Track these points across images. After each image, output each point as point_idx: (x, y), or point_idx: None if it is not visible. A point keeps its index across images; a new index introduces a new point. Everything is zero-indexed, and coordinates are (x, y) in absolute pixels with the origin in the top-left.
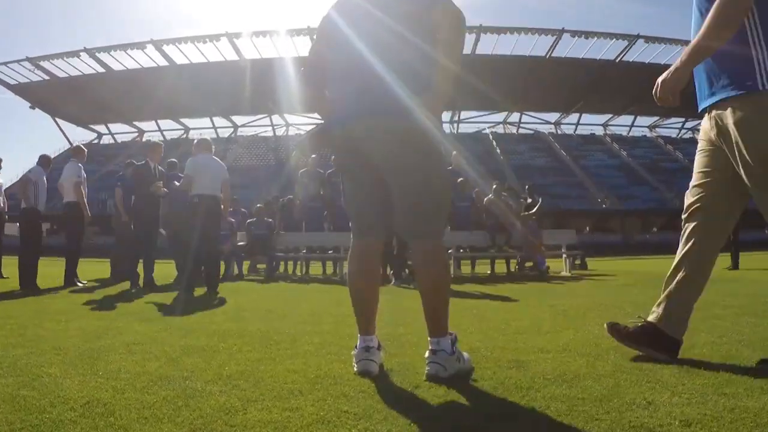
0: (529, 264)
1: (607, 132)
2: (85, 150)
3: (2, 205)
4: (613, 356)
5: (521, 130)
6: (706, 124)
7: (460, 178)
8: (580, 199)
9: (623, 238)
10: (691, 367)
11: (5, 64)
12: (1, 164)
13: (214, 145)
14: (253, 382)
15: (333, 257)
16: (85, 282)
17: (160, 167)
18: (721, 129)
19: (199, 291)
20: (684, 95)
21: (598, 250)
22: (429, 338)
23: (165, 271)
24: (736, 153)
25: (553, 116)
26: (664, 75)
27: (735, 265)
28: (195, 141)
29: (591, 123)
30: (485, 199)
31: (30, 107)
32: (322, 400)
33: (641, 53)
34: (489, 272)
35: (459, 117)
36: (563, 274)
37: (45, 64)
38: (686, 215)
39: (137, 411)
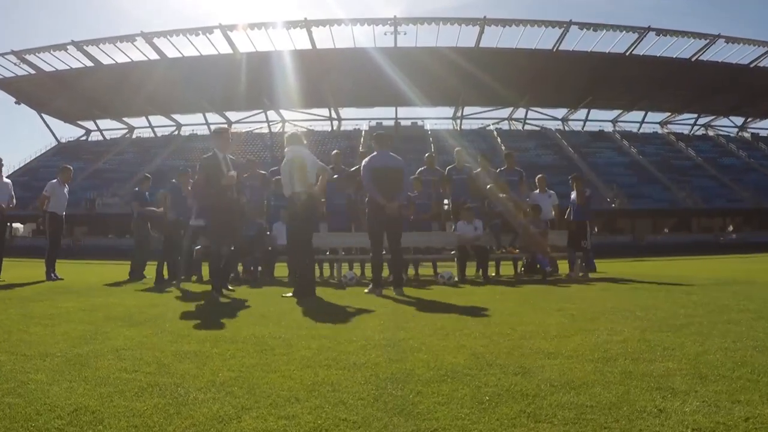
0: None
1: (617, 128)
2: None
3: (4, 206)
4: (623, 362)
5: (527, 127)
6: None
7: (466, 177)
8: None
9: (633, 239)
10: (704, 374)
11: None
12: (2, 163)
13: (204, 142)
14: (247, 389)
15: (330, 259)
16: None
17: (231, 156)
18: None
19: (187, 294)
20: (696, 90)
21: (607, 251)
22: None
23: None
24: None
25: (561, 112)
26: None
27: None
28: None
29: (600, 119)
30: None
31: (15, 103)
32: (320, 408)
33: (652, 46)
34: (494, 274)
35: (462, 113)
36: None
37: (31, 57)
38: None
39: (127, 419)
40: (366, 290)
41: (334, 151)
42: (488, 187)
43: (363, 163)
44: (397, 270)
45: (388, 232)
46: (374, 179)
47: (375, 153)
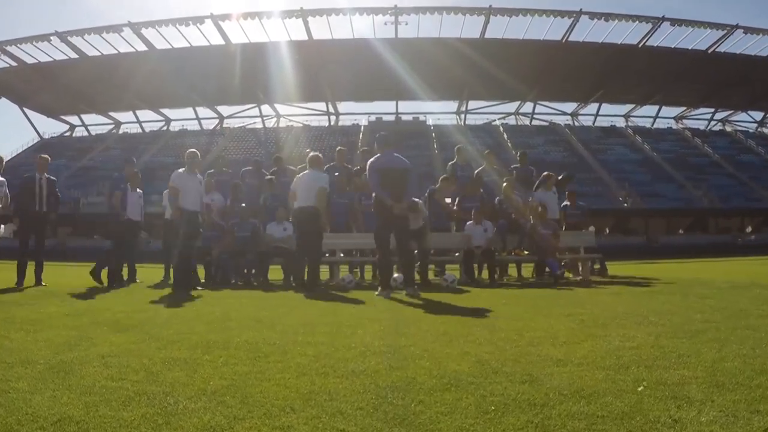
0: (548, 270)
1: (629, 123)
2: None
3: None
4: (636, 370)
5: (535, 122)
6: None
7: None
8: (599, 198)
9: (646, 240)
10: (722, 382)
11: None
12: (3, 164)
13: (195, 138)
14: (240, 398)
15: (329, 261)
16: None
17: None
18: None
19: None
20: (713, 83)
21: (619, 253)
22: None
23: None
24: None
25: (570, 106)
26: None
27: None
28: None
29: (611, 114)
30: (496, 198)
31: None
32: (317, 418)
33: (667, 37)
34: (498, 276)
35: (467, 107)
36: (580, 279)
37: (12, 48)
38: None
39: (113, 430)
40: (376, 293)
41: (338, 148)
42: (503, 186)
43: (368, 163)
44: (408, 270)
45: (396, 233)
46: (381, 180)
47: (380, 154)
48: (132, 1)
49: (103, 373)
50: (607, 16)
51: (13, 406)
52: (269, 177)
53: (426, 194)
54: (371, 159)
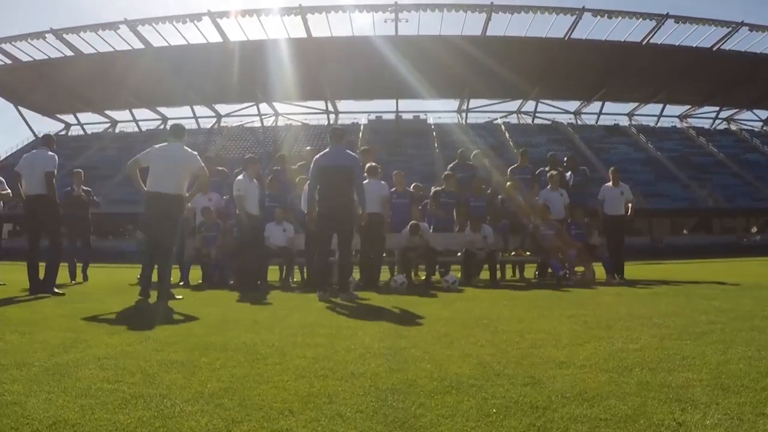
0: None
1: (633, 122)
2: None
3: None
4: (639, 372)
5: (537, 121)
6: None
7: (474, 176)
8: None
9: (650, 240)
10: (726, 384)
11: None
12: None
13: (192, 137)
14: (238, 400)
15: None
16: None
17: None
18: None
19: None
20: (718, 81)
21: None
22: None
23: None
24: None
25: (573, 105)
26: None
27: None
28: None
29: (615, 112)
30: (499, 196)
31: None
32: (315, 421)
33: (671, 35)
34: (500, 276)
35: (468, 105)
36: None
37: (7, 46)
38: None
39: None
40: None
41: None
42: (507, 185)
43: (314, 159)
44: (344, 274)
45: (337, 236)
46: (321, 178)
47: (327, 149)
48: None
49: (99, 375)
50: (611, 14)
51: (8, 409)
52: (270, 176)
53: (431, 194)
54: (318, 155)
